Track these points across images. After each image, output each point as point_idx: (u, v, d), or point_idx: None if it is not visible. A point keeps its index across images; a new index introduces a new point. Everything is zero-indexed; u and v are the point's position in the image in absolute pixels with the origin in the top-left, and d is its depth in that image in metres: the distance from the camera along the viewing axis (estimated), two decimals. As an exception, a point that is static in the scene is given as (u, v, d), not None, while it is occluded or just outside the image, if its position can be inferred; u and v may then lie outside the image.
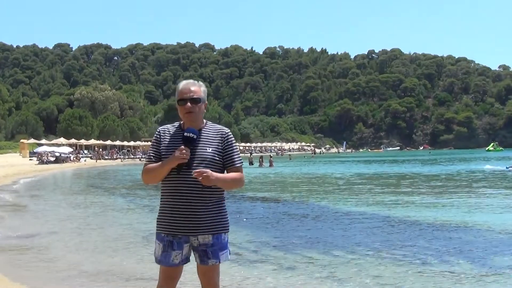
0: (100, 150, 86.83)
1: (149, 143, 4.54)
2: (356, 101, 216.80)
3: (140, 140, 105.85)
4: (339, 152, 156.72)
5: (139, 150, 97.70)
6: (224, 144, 3.96)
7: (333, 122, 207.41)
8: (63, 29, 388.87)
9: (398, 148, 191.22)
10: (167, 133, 4.00)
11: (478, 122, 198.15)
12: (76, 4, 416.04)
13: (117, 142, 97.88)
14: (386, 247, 9.67)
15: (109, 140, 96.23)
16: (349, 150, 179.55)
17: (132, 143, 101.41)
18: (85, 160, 72.40)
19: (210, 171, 3.75)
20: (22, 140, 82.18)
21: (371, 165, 56.52)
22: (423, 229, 11.87)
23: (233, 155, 3.98)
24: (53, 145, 77.42)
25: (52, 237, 11.30)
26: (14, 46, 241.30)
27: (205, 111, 4.03)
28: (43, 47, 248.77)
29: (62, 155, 67.50)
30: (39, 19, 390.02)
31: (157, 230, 3.99)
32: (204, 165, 3.82)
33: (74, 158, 70.07)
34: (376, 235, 11.15)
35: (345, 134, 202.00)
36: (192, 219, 3.84)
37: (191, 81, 4.05)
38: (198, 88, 3.98)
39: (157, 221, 4.01)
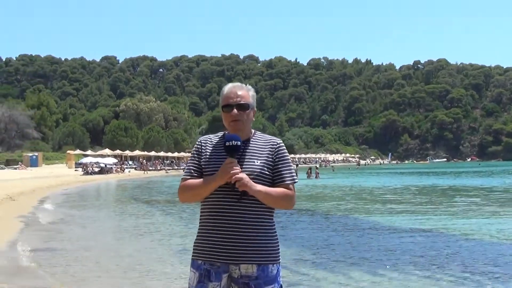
0: (144, 161, 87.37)
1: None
2: (401, 112, 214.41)
3: (184, 151, 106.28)
4: (380, 164, 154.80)
5: (183, 161, 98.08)
6: (274, 157, 3.32)
7: (378, 133, 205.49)
8: (110, 42, 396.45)
9: (445, 159, 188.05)
10: (208, 144, 3.38)
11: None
12: (122, 18, 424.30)
13: (161, 153, 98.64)
14: (439, 269, 8.84)
15: (153, 151, 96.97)
16: (394, 162, 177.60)
17: (176, 154, 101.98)
18: (129, 171, 72.83)
19: (246, 176, 3.13)
20: (68, 151, 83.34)
21: (420, 177, 55.29)
22: (484, 251, 10.96)
23: (283, 170, 3.31)
24: (98, 156, 78.32)
25: (81, 252, 10.81)
26: (63, 59, 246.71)
27: (253, 119, 3.41)
28: (91, 59, 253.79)
29: (107, 166, 68.09)
30: (86, 33, 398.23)
31: (193, 256, 3.34)
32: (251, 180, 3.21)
33: (119, 169, 70.54)
34: (427, 256, 10.31)
35: (391, 146, 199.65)
36: (234, 245, 3.20)
37: (238, 84, 3.42)
38: (246, 92, 3.37)
39: (193, 246, 3.36)
